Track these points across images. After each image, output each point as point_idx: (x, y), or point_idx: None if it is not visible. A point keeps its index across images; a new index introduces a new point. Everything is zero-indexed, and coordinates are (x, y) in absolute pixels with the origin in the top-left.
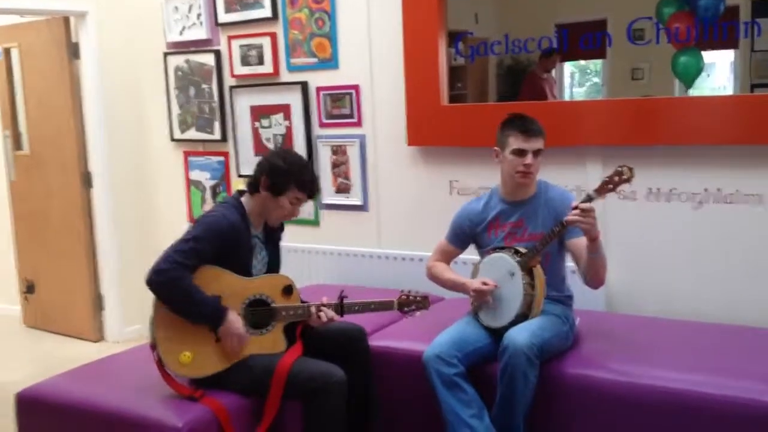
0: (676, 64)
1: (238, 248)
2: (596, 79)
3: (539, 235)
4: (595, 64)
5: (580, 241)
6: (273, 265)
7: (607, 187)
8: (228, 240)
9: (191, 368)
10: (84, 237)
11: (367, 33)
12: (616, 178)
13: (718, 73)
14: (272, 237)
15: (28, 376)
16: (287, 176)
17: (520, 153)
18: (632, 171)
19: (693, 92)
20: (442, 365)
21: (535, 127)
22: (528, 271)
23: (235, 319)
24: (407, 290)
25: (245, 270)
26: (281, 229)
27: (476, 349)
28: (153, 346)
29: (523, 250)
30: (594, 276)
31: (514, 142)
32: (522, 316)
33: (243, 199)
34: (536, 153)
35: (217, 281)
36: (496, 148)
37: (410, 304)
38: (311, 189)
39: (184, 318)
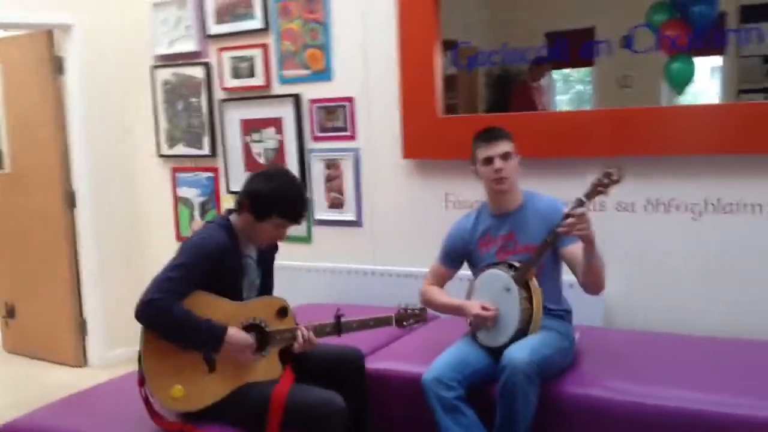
0: (668, 70)
1: (227, 269)
2: (580, 87)
3: (532, 246)
4: (579, 72)
5: (575, 248)
6: (267, 285)
7: (597, 190)
8: (215, 261)
9: (184, 402)
10: (67, 258)
11: (361, 44)
12: (606, 180)
13: (699, 78)
14: (265, 258)
15: (9, 403)
16: (269, 203)
17: (488, 161)
18: (621, 172)
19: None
20: (442, 389)
21: (495, 132)
22: (524, 285)
23: (234, 332)
24: (404, 304)
25: (236, 291)
26: (275, 249)
27: (476, 371)
28: (141, 382)
29: (517, 263)
30: (594, 281)
31: (481, 152)
32: (521, 332)
33: (232, 217)
34: (504, 156)
35: (209, 307)
36: (472, 166)
37: (408, 318)
38: (295, 216)
39: (182, 346)
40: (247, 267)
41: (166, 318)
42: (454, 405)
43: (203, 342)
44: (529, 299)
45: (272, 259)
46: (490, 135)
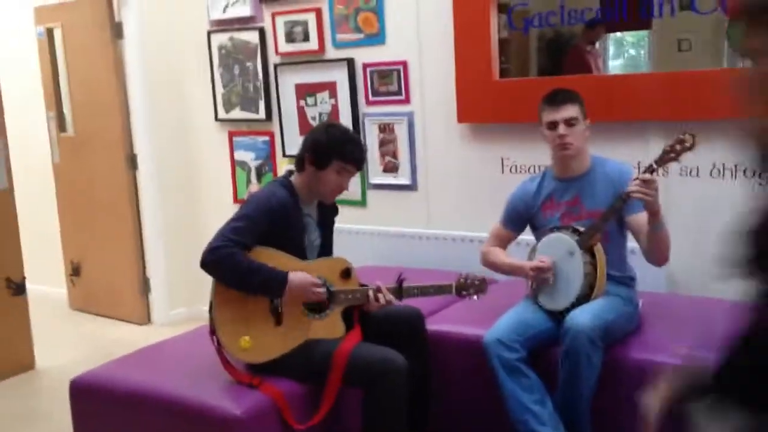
0: (731, 34)
1: (288, 226)
2: (633, 51)
3: (598, 213)
4: (633, 35)
5: (641, 217)
6: (325, 247)
7: (669, 156)
8: (278, 217)
9: (251, 353)
10: (130, 219)
11: (415, 7)
12: (678, 147)
13: None
14: (326, 218)
15: (76, 359)
16: (329, 149)
17: (553, 125)
18: (695, 138)
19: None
20: (503, 350)
21: (561, 96)
22: (588, 250)
23: (296, 275)
24: (465, 274)
25: (298, 248)
26: (335, 211)
27: (537, 333)
28: (212, 331)
29: (581, 228)
30: (657, 252)
31: (546, 116)
32: (583, 298)
33: (293, 177)
34: (569, 122)
35: (274, 263)
36: (541, 128)
37: (468, 287)
38: (355, 159)
39: (246, 291)
40: (308, 226)
41: (230, 265)
42: (515, 366)
43: (267, 286)
44: (593, 264)
45: (332, 220)
46: (555, 98)
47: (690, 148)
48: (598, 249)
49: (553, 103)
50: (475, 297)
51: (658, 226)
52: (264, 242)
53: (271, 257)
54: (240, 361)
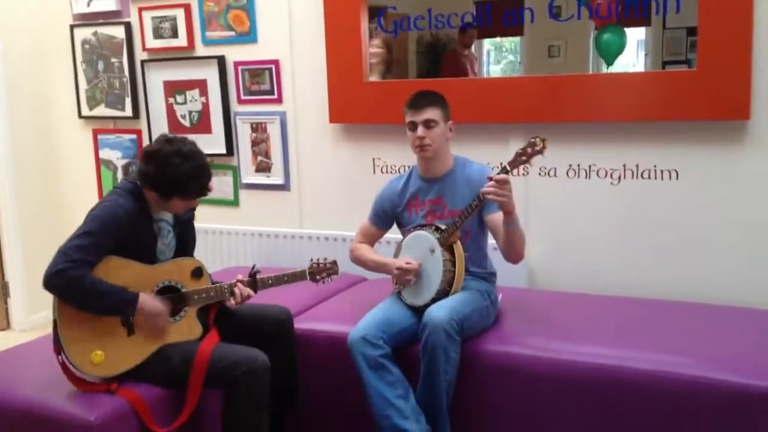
0: (599, 41)
1: (137, 235)
2: (512, 57)
3: (459, 212)
4: (511, 42)
5: (498, 216)
6: (185, 246)
7: (520, 159)
8: (125, 228)
9: (104, 367)
10: None
11: (287, 6)
12: (529, 150)
13: (626, 50)
14: (181, 220)
15: None
16: (168, 189)
17: (412, 126)
18: (545, 142)
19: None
20: (367, 347)
21: (423, 99)
22: (448, 248)
23: (147, 300)
24: (316, 258)
25: (149, 257)
26: (192, 210)
27: (401, 330)
28: (58, 350)
29: (443, 226)
30: (512, 250)
31: (407, 117)
32: (443, 293)
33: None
34: (428, 124)
35: (122, 272)
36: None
37: (321, 272)
38: (199, 192)
39: (94, 314)
40: (161, 230)
41: (76, 287)
42: (379, 363)
43: (115, 310)
44: (453, 262)
45: (190, 218)
46: (416, 101)
47: (540, 152)
48: (458, 246)
49: (413, 106)
50: (329, 279)
51: (511, 225)
52: (110, 251)
53: (119, 266)
54: (94, 377)
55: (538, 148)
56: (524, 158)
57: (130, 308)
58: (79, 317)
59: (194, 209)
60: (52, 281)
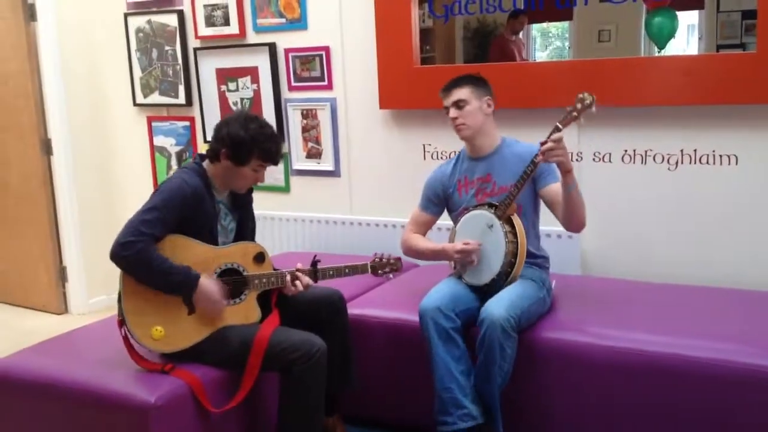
0: (650, 24)
1: (201, 214)
2: (558, 43)
3: (510, 187)
4: (557, 27)
5: (554, 187)
6: (244, 230)
7: (571, 115)
8: (191, 206)
9: (164, 343)
10: (45, 206)
11: None
12: (579, 105)
13: (678, 34)
14: (240, 201)
15: None
16: (250, 147)
17: (447, 111)
18: (593, 96)
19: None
20: (440, 317)
21: (451, 82)
22: (507, 220)
23: (207, 284)
24: (380, 253)
25: (211, 237)
26: (249, 192)
27: (466, 309)
28: (121, 322)
29: (496, 203)
30: (573, 215)
31: (443, 102)
32: (508, 265)
33: (205, 163)
34: (457, 105)
35: (186, 251)
36: None
37: (384, 266)
38: (275, 157)
39: (155, 289)
40: (221, 212)
41: (142, 261)
42: (450, 335)
43: (176, 289)
44: (513, 233)
45: (248, 202)
46: (446, 84)
47: (589, 106)
48: (516, 218)
49: (444, 89)
50: (390, 276)
51: (571, 186)
52: (175, 229)
53: (183, 245)
54: (153, 351)
55: (587, 102)
56: (575, 114)
57: (190, 289)
58: (143, 292)
59: (251, 193)
60: (120, 252)
